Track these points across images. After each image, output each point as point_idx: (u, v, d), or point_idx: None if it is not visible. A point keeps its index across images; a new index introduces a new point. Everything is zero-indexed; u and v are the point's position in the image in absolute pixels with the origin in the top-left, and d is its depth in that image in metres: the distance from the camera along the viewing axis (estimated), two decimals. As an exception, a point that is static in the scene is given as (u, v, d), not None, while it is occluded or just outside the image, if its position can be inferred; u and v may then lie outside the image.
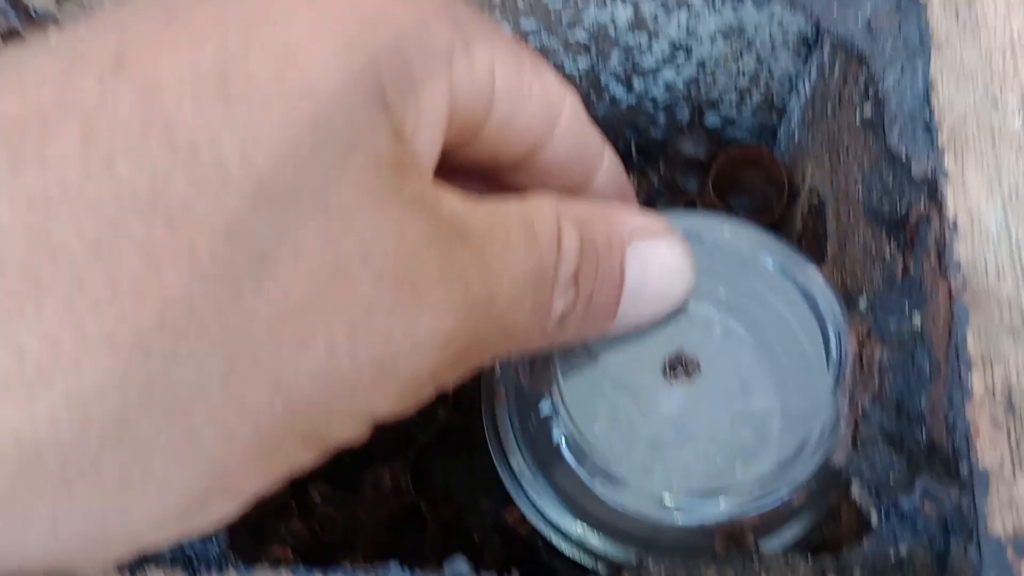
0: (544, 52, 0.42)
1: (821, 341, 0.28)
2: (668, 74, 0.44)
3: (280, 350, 0.18)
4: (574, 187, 0.27)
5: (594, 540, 0.29)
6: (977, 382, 0.25)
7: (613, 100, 0.46)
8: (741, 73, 0.43)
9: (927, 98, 0.28)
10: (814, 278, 0.29)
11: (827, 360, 0.28)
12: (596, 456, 0.28)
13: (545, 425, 0.28)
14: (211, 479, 0.18)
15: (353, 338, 0.19)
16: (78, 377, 0.16)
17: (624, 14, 0.40)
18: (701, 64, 0.43)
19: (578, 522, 0.30)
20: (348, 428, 0.20)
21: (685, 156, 0.44)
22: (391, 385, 0.19)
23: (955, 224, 0.26)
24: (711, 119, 0.47)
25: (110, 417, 0.16)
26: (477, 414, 0.32)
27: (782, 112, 0.46)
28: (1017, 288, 0.26)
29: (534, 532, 0.41)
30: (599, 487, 0.28)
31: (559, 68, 0.43)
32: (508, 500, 0.36)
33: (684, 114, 0.47)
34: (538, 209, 0.23)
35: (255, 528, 0.39)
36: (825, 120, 0.39)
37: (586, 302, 0.24)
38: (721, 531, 0.27)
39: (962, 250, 0.26)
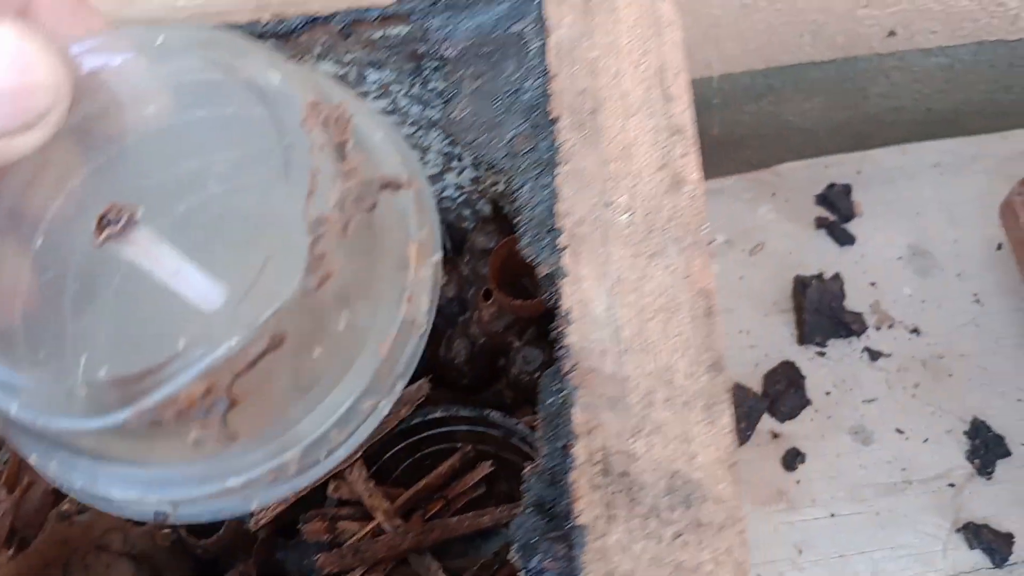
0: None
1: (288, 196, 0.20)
2: (450, 177, 0.49)
3: None
4: None
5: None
6: (581, 450, 0.29)
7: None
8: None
9: (551, 206, 0.33)
10: (280, 99, 0.22)
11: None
12: None
13: None
14: None
15: None
16: None
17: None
18: (476, 165, 0.48)
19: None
20: None
21: (479, 248, 0.49)
22: None
23: (569, 314, 0.31)
24: (509, 209, 0.52)
25: None
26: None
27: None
28: (617, 364, 0.30)
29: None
30: None
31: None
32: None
33: (486, 208, 0.52)
34: None
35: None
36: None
37: None
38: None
39: (575, 336, 0.31)
